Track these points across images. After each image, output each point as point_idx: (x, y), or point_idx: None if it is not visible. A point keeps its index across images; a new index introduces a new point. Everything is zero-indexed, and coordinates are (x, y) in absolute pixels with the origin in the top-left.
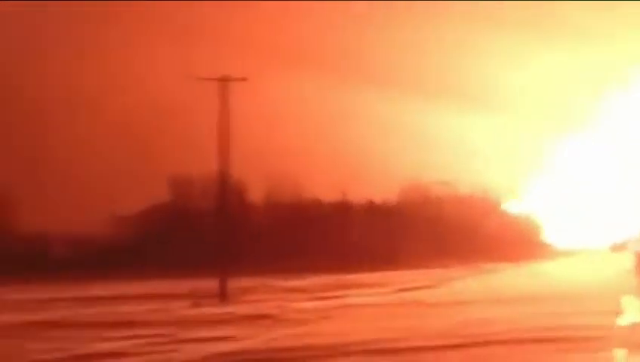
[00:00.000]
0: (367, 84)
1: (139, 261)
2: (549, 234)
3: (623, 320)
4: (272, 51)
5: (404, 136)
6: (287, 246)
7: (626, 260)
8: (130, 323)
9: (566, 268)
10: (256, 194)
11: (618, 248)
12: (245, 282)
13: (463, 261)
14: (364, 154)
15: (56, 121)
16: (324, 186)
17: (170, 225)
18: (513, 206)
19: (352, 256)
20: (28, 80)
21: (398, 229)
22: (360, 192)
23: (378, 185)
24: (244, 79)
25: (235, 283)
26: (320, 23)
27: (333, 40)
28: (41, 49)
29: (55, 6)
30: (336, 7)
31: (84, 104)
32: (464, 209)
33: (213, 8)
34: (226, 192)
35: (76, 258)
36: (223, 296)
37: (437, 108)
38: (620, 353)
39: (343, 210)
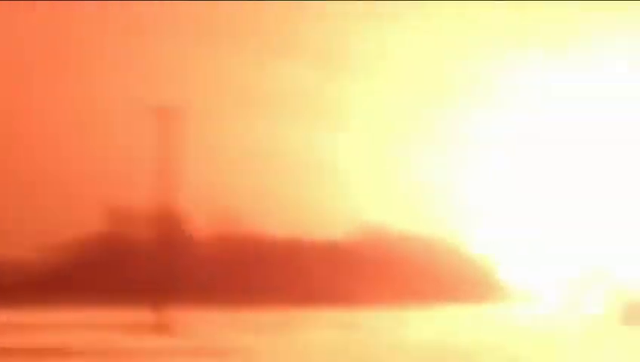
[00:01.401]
0: (320, 124)
1: (72, 289)
2: (506, 274)
3: None
4: (216, 84)
5: (364, 176)
6: (232, 280)
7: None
8: (63, 352)
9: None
10: (202, 227)
11: (579, 285)
12: (185, 314)
13: (421, 300)
14: (321, 193)
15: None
16: (276, 222)
17: (107, 254)
18: (472, 245)
19: (302, 293)
20: None
21: (352, 268)
22: (314, 230)
23: (334, 224)
24: (182, 109)
25: (174, 315)
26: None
27: (282, 79)
28: None
29: None
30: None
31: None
32: (423, 248)
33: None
34: (166, 224)
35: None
36: (160, 327)
37: (408, 150)
38: None
39: (294, 247)
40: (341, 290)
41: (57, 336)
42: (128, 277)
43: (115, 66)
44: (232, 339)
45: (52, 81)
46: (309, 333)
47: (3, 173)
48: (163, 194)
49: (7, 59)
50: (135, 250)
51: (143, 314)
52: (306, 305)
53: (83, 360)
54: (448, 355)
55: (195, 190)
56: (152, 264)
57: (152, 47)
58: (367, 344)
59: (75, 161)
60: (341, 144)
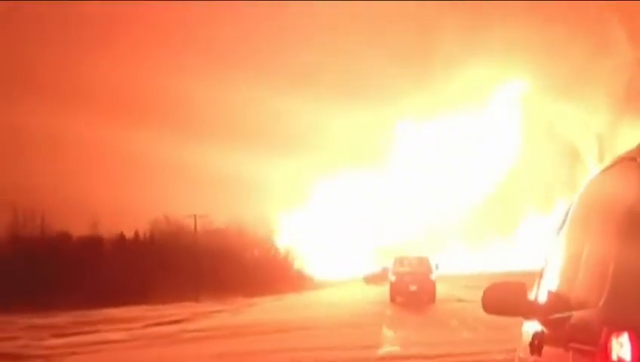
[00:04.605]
0: (114, 119)
1: None
2: (308, 266)
3: (380, 351)
4: None
5: (152, 169)
6: (32, 281)
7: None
8: None
9: (324, 300)
10: None
11: (371, 280)
12: None
13: (219, 295)
14: (114, 188)
15: None
16: (73, 220)
17: None
18: (272, 238)
19: (103, 292)
20: None
21: (149, 263)
22: (111, 226)
23: (129, 219)
24: None
25: None
26: None
27: None
28: None
29: None
30: None
31: None
32: (220, 242)
33: None
34: None
35: None
36: None
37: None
38: None
39: (92, 243)
40: (143, 286)
41: None
42: None
43: None
44: (33, 343)
45: None
46: (110, 333)
47: None
48: None
49: None
50: None
51: None
52: (107, 305)
53: None
54: None
55: None
56: None
57: None
58: (173, 338)
59: None
60: None
